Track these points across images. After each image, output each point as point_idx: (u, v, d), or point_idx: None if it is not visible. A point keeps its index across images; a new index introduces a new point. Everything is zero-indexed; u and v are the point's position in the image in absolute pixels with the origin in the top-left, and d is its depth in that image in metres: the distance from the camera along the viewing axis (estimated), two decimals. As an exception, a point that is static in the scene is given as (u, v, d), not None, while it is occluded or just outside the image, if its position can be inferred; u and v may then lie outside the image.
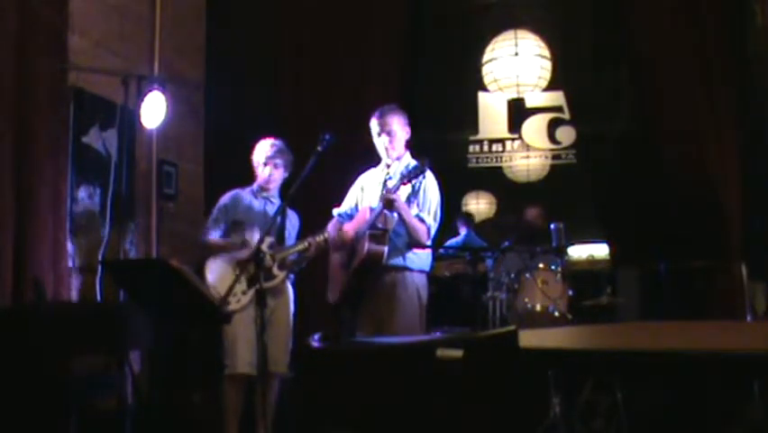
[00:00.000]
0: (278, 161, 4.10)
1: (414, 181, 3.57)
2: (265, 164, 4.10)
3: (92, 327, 3.57)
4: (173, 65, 5.35)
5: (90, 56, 4.53)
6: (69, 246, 4.20)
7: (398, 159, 3.85)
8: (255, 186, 4.17)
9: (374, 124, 3.83)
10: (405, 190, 3.62)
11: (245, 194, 4.16)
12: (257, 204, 4.13)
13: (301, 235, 4.16)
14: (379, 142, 3.84)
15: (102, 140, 4.59)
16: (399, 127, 3.82)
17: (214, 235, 4.09)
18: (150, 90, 3.95)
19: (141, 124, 4.12)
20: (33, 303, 3.77)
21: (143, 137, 4.95)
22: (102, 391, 3.66)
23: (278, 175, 4.14)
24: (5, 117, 3.83)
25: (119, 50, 4.84)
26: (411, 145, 3.95)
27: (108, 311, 3.74)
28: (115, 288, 4.09)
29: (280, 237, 4.06)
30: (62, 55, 4.18)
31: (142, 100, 3.91)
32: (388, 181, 3.81)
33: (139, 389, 3.99)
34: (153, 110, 3.99)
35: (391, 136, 3.80)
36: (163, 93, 4.00)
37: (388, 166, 3.87)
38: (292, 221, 4.16)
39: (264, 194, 4.15)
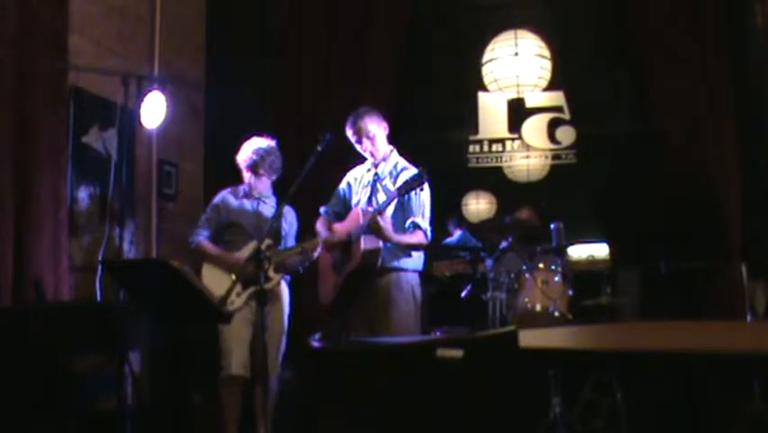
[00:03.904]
0: (261, 169, 4.06)
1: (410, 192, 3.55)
2: (246, 170, 4.09)
3: (92, 326, 3.57)
4: (173, 65, 5.35)
5: (90, 56, 4.53)
6: (69, 246, 4.20)
7: (385, 159, 3.84)
8: (246, 186, 4.16)
9: (350, 134, 3.79)
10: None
11: (236, 195, 4.14)
12: (248, 205, 4.11)
13: (300, 233, 4.16)
14: (362, 149, 3.82)
15: (102, 140, 4.59)
16: (375, 127, 3.78)
17: (205, 236, 4.07)
18: (150, 90, 3.95)
19: (141, 124, 4.12)
20: (33, 303, 3.77)
21: (143, 137, 4.95)
22: (102, 391, 3.65)
23: (263, 182, 4.11)
24: (5, 118, 3.83)
25: (119, 50, 4.85)
26: (404, 144, 3.96)
27: (108, 311, 3.73)
28: (115, 288, 4.08)
29: (277, 238, 4.05)
30: (62, 55, 4.18)
31: (142, 100, 3.91)
32: (379, 187, 3.78)
33: (139, 389, 3.99)
34: (153, 110, 3.99)
35: (371, 139, 3.78)
36: (163, 93, 4.00)
37: (376, 166, 3.86)
38: (288, 219, 4.14)
39: (255, 194, 4.14)
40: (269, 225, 3.80)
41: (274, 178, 4.16)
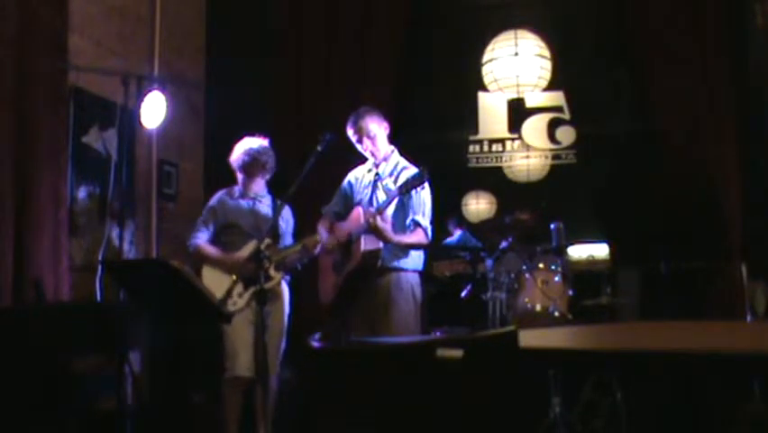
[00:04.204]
0: (254, 170, 4.07)
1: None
2: (239, 171, 4.10)
3: (92, 326, 3.57)
4: (173, 65, 5.35)
5: (90, 56, 4.54)
6: (69, 246, 4.19)
7: (386, 159, 3.84)
8: (240, 187, 4.15)
9: (351, 134, 3.79)
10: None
11: (231, 196, 4.14)
12: (244, 204, 4.12)
13: (298, 232, 4.15)
14: (363, 148, 3.82)
15: (102, 140, 4.59)
16: (376, 126, 3.79)
17: (203, 238, 4.07)
18: (150, 90, 3.95)
19: (141, 124, 4.12)
20: (33, 303, 3.77)
21: (143, 137, 4.95)
22: (102, 391, 3.66)
23: (257, 182, 4.11)
24: (6, 118, 3.83)
25: (119, 50, 4.85)
26: (404, 144, 3.95)
27: (108, 311, 3.73)
28: (115, 288, 4.08)
29: (275, 237, 4.05)
30: (62, 55, 4.18)
31: (142, 100, 3.91)
32: (379, 186, 3.78)
33: (139, 389, 3.99)
34: (153, 110, 3.99)
35: (372, 139, 3.78)
36: (163, 93, 4.00)
37: (377, 166, 3.85)
38: (285, 217, 4.14)
39: (251, 194, 4.13)
40: (269, 224, 3.79)
41: (268, 177, 4.16)
